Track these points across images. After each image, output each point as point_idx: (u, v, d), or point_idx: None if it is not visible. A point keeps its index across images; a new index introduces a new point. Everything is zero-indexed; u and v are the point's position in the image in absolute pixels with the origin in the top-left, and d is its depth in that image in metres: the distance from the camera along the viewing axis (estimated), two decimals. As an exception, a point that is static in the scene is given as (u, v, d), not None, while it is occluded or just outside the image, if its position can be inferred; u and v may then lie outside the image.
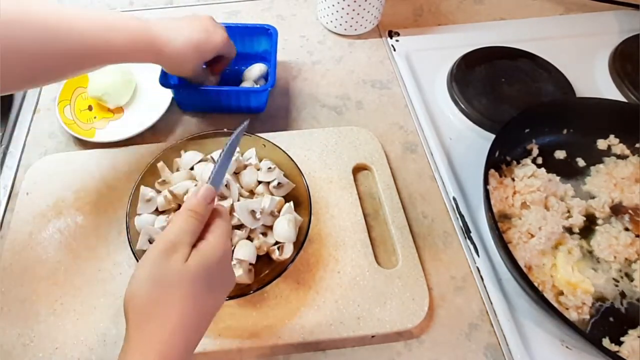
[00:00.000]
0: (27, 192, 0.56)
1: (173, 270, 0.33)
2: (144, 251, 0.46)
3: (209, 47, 0.54)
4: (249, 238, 0.49)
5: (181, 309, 0.32)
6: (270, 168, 0.51)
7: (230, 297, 0.45)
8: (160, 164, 0.52)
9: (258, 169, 0.52)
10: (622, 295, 0.48)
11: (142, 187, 0.50)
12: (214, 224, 0.37)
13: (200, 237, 0.36)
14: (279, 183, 0.51)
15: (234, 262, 0.46)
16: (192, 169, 0.52)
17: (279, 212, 0.49)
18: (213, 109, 0.66)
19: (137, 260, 0.45)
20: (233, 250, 0.47)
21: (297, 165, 0.52)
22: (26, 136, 0.64)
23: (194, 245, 0.35)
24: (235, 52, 0.60)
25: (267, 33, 0.66)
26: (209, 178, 0.38)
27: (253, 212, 0.47)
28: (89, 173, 0.58)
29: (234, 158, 0.50)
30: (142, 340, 0.32)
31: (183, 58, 0.52)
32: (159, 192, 0.51)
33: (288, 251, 0.47)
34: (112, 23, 0.46)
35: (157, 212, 0.50)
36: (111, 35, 0.45)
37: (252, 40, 0.68)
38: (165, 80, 0.60)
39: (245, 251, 0.46)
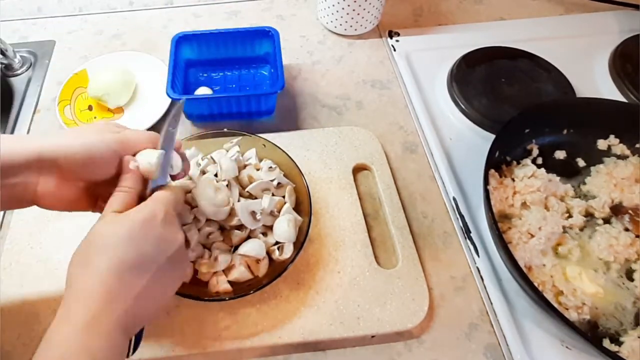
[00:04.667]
0: (27, 192, 0.56)
1: (94, 230, 0.35)
2: None
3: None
4: (249, 238, 0.49)
5: (102, 262, 0.33)
6: (270, 167, 0.51)
7: (231, 297, 0.45)
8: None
9: (258, 169, 0.52)
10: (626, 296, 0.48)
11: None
12: (149, 196, 0.38)
13: None
14: (279, 183, 0.51)
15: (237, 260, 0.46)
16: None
17: (278, 212, 0.49)
18: (223, 116, 0.65)
19: None
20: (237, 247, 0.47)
21: (297, 165, 0.52)
22: (26, 136, 0.64)
23: None
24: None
25: (267, 35, 0.66)
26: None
27: (253, 213, 0.47)
28: (89, 173, 0.58)
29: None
30: (69, 295, 0.33)
31: None
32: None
33: (288, 251, 0.47)
34: None
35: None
36: None
37: (253, 44, 0.68)
38: (173, 92, 0.59)
39: (250, 246, 0.46)
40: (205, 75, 0.70)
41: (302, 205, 0.51)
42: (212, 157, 0.52)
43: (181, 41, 0.65)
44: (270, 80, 0.69)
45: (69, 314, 0.32)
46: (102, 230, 0.35)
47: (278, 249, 0.48)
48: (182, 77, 0.66)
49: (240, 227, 0.48)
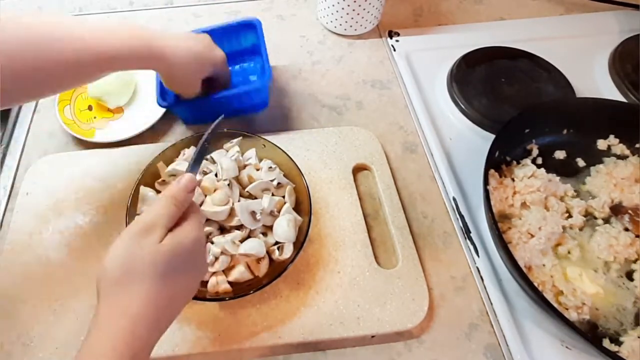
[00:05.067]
0: (27, 192, 0.56)
1: (147, 249, 0.34)
2: None
3: (209, 62, 0.54)
4: (249, 238, 0.49)
5: (151, 286, 0.33)
6: (270, 168, 0.51)
7: (231, 297, 0.45)
8: (160, 164, 0.52)
9: (258, 169, 0.52)
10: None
11: (142, 187, 0.50)
12: (189, 214, 0.38)
13: (177, 224, 0.37)
14: (278, 183, 0.51)
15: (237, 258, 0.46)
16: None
17: (278, 212, 0.49)
18: (219, 115, 0.64)
19: None
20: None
21: (297, 165, 0.52)
22: (26, 136, 0.64)
23: (170, 231, 0.36)
24: (229, 82, 0.61)
25: (251, 26, 0.65)
26: (188, 168, 0.41)
27: (253, 213, 0.47)
28: (89, 173, 0.58)
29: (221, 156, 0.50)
30: (109, 314, 0.33)
31: (184, 67, 0.51)
32: (159, 192, 0.51)
33: (288, 251, 0.47)
34: (113, 29, 0.45)
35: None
36: (112, 40, 0.44)
37: (239, 37, 0.67)
38: (163, 100, 0.59)
39: (250, 245, 0.46)
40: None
41: (302, 205, 0.51)
42: (212, 157, 0.52)
43: None
44: (260, 72, 0.69)
45: (108, 331, 0.32)
46: (157, 251, 0.34)
47: (278, 249, 0.48)
48: None
49: (240, 227, 0.48)
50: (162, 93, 0.59)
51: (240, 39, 0.68)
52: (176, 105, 0.60)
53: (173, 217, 0.37)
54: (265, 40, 0.64)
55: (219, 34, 0.65)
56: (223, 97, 0.60)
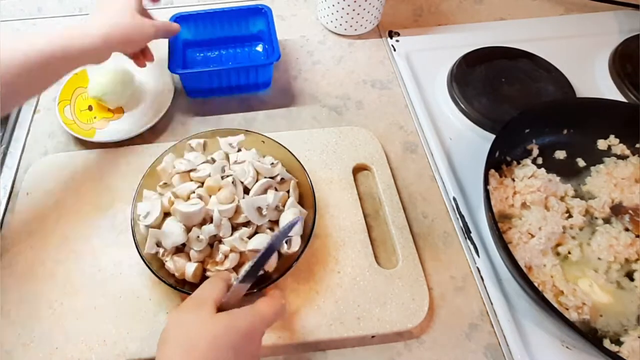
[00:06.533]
0: (27, 192, 0.56)
1: (199, 319, 0.36)
2: (153, 255, 0.46)
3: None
4: (256, 234, 0.49)
5: (205, 352, 0.34)
6: (272, 163, 0.51)
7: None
8: (160, 167, 0.52)
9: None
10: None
11: (145, 191, 0.50)
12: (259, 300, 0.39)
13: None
14: (282, 178, 0.51)
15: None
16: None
17: (283, 206, 0.49)
18: (222, 90, 0.67)
19: (146, 264, 0.46)
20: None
21: (297, 159, 0.52)
22: (26, 136, 0.64)
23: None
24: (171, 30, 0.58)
25: (260, 12, 0.69)
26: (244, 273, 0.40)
27: (259, 209, 0.47)
28: (89, 173, 0.58)
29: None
30: None
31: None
32: (161, 194, 0.50)
33: (296, 244, 0.47)
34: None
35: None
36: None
37: (248, 22, 0.71)
38: (173, 66, 0.62)
39: (259, 241, 0.46)
40: (201, 55, 0.72)
41: (305, 199, 0.51)
42: (212, 158, 0.52)
43: (179, 22, 0.65)
44: (264, 56, 0.72)
45: None
46: (210, 322, 0.35)
47: (286, 242, 0.47)
48: (180, 57, 0.67)
49: (247, 223, 0.48)
50: (173, 59, 0.63)
51: (249, 25, 0.71)
52: (183, 75, 0.64)
53: (223, 293, 0.39)
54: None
55: (227, 17, 0.70)
56: (232, 70, 0.64)
